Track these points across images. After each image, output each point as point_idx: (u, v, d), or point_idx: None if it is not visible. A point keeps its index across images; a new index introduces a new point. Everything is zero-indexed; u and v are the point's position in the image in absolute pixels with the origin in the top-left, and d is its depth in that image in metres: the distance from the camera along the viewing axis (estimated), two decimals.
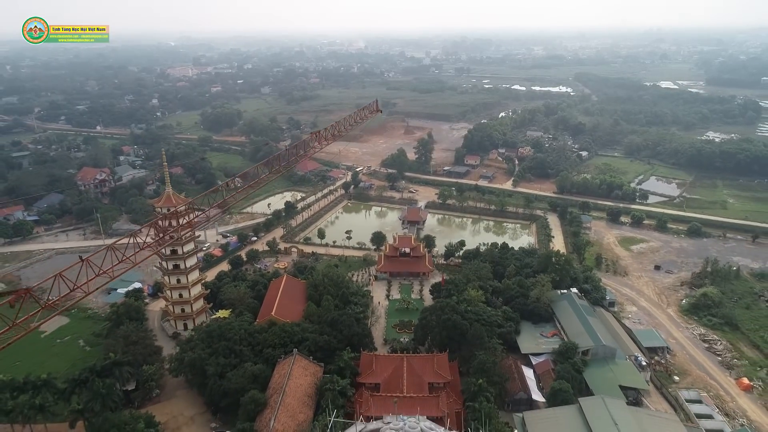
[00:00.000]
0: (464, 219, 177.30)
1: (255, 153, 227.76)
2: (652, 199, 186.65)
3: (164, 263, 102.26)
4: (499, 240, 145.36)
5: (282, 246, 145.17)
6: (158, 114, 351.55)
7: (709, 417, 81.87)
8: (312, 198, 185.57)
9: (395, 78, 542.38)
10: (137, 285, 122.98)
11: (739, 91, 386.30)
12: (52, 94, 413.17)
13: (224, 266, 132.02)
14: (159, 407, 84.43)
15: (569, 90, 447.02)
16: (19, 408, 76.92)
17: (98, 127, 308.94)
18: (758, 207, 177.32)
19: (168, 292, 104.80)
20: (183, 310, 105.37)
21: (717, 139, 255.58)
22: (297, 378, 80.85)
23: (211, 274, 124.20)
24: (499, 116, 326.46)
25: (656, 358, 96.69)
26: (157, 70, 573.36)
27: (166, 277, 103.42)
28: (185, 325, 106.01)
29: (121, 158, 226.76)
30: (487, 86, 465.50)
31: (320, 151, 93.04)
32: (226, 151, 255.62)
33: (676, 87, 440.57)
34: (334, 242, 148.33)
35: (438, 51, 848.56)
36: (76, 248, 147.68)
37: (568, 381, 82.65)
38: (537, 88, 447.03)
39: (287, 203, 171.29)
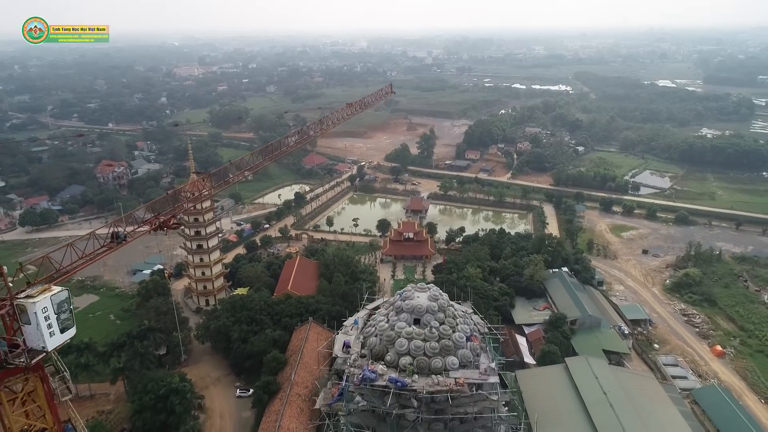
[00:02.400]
0: (464, 209, 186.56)
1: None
2: (644, 191, 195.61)
3: (188, 243, 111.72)
4: (498, 228, 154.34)
5: (293, 233, 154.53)
6: (167, 112, 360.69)
7: (684, 378, 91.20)
8: (320, 190, 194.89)
9: (398, 77, 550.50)
10: (160, 267, 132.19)
11: (736, 89, 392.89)
12: (63, 93, 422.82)
13: (240, 250, 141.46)
14: (187, 370, 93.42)
15: (568, 88, 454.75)
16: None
17: (110, 124, 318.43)
18: (745, 198, 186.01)
19: (192, 271, 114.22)
20: (205, 287, 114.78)
21: (709, 135, 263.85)
22: (313, 342, 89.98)
23: (228, 258, 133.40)
24: (499, 113, 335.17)
25: (639, 329, 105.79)
26: (163, 70, 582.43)
27: (190, 257, 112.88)
28: (207, 301, 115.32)
29: (136, 153, 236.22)
30: (487, 85, 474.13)
31: (341, 124, 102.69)
32: (236, 147, 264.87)
33: (673, 85, 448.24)
34: (342, 229, 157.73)
35: (440, 51, 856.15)
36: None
37: (557, 346, 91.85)
38: (537, 87, 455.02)
39: (297, 194, 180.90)
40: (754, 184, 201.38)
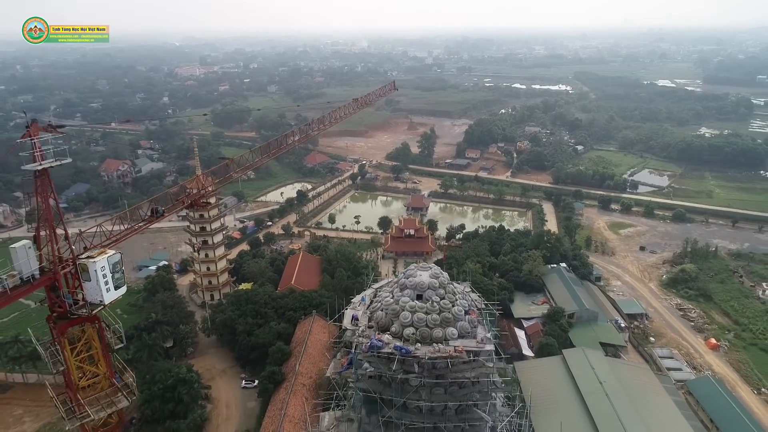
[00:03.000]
0: (464, 207, 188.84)
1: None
2: (642, 189, 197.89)
3: (194, 239, 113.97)
4: (497, 225, 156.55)
5: (296, 230, 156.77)
6: (169, 111, 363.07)
7: (679, 369, 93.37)
8: (322, 188, 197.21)
9: (398, 77, 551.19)
10: (165, 263, 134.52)
11: (735, 89, 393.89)
12: (65, 93, 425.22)
13: (244, 247, 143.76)
14: (194, 362, 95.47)
15: (568, 88, 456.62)
16: None
17: (113, 124, 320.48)
18: (742, 196, 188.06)
19: (197, 266, 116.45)
20: (210, 282, 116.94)
21: (708, 135, 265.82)
22: (316, 334, 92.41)
23: (232, 254, 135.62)
24: (500, 113, 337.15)
25: (635, 322, 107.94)
26: (164, 70, 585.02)
27: (196, 252, 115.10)
28: (212, 296, 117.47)
29: (139, 152, 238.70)
30: (488, 84, 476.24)
31: (343, 123, 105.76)
32: (238, 146, 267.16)
33: (673, 85, 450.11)
34: (344, 226, 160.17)
35: (440, 51, 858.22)
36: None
37: (555, 338, 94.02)
38: (537, 87, 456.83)
39: (299, 192, 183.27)
40: (751, 183, 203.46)
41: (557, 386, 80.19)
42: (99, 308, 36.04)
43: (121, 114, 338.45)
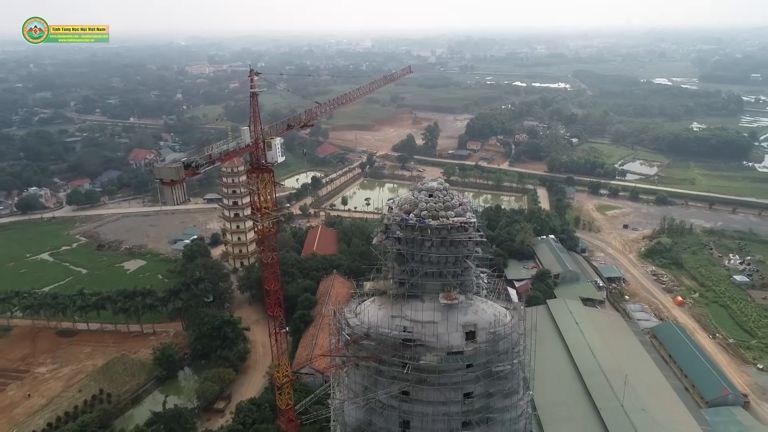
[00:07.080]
0: (466, 192, 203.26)
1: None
2: (631, 177, 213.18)
3: (227, 212, 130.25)
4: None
5: (312, 210, 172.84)
6: (184, 107, 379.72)
7: (647, 320, 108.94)
8: (333, 175, 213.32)
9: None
10: (195, 237, 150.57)
11: (729, 87, 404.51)
12: (81, 90, 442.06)
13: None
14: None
15: (567, 86, 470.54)
16: (134, 307, 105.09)
17: (132, 119, 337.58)
18: (722, 183, 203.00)
19: (229, 236, 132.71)
20: (240, 251, 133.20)
21: (696, 128, 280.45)
22: (337, 288, 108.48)
23: None
24: (500, 108, 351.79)
25: (613, 285, 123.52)
26: (174, 68, 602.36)
27: (228, 224, 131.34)
28: (242, 263, 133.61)
29: (161, 143, 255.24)
30: (489, 82, 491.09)
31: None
32: None
33: (669, 83, 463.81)
34: (355, 208, 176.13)
35: (443, 50, 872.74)
36: (139, 213, 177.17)
37: (542, 293, 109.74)
38: (537, 84, 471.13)
39: (313, 177, 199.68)
40: (732, 171, 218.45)
41: (541, 326, 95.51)
42: (274, 164, 55.30)
43: (138, 110, 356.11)
